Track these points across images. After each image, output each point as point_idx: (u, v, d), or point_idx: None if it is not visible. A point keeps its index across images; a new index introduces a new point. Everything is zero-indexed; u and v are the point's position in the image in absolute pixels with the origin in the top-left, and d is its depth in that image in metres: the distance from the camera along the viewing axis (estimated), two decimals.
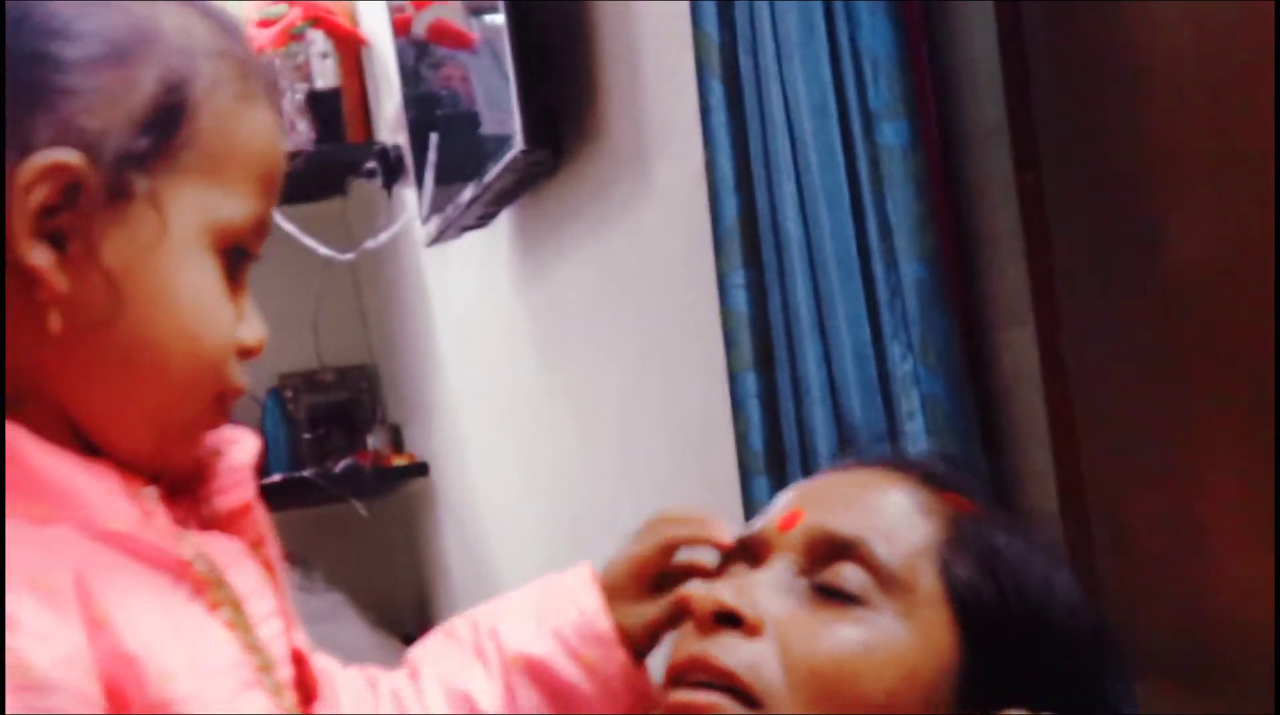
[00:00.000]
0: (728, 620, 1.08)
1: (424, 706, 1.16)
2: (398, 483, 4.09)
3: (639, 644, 1.15)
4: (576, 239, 2.97)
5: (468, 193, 3.23)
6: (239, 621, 0.99)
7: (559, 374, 3.16)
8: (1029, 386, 1.94)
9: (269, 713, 0.98)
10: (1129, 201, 1.83)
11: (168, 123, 0.96)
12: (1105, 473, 1.90)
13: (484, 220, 3.35)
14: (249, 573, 1.02)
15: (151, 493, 1.00)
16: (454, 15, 3.37)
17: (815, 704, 1.05)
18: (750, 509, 2.04)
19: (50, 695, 0.90)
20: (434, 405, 4.01)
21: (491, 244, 3.41)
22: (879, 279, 1.95)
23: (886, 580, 1.08)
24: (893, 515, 1.12)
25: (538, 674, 1.15)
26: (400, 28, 3.58)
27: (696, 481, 2.53)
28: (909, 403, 1.90)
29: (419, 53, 3.52)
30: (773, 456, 2.05)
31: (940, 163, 2.02)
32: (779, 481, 2.04)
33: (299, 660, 1.03)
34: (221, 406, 1.02)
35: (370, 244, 3.86)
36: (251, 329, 1.01)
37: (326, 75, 3.95)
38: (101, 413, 0.98)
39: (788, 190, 2.03)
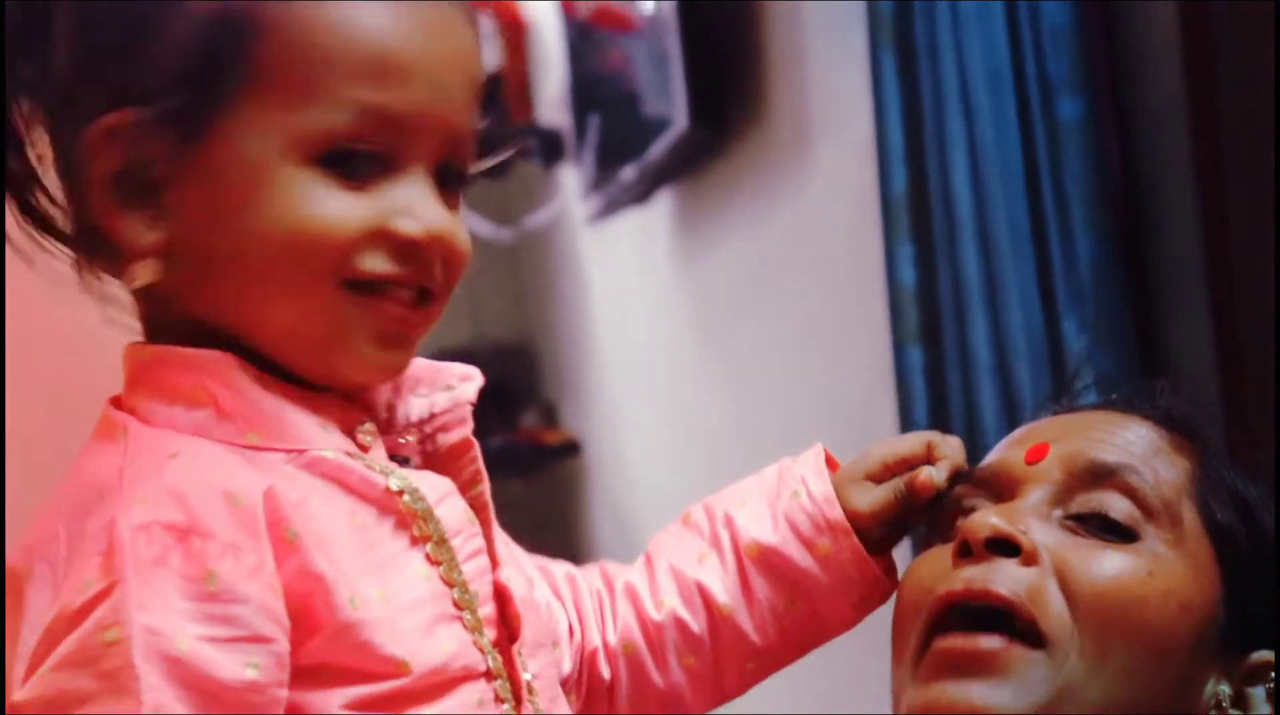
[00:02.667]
0: (1002, 548, 1.04)
1: (658, 604, 1.16)
2: (551, 461, 4.12)
3: (866, 530, 1.14)
4: (738, 216, 2.97)
5: (629, 172, 3.25)
6: (443, 556, 1.00)
7: (718, 352, 3.16)
8: (1202, 365, 1.91)
9: (461, 645, 0.99)
10: None
11: (227, 60, 0.96)
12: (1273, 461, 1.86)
13: (644, 199, 3.36)
14: (458, 510, 1.02)
15: (369, 427, 1.01)
16: None
17: (1099, 633, 1.02)
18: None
19: (232, 605, 0.91)
20: (589, 384, 4.02)
21: (651, 223, 3.42)
22: (1054, 254, 1.93)
23: (1153, 511, 1.06)
24: (1148, 449, 1.09)
25: (770, 562, 1.15)
26: (566, 10, 3.60)
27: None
28: (1082, 378, 1.87)
29: (582, 35, 3.55)
30: (937, 429, 2.03)
31: (1117, 137, 1.99)
32: None
33: (503, 597, 1.03)
34: (374, 301, 0.99)
35: (529, 223, 3.88)
36: (411, 221, 0.98)
37: (490, 57, 4.00)
38: (257, 333, 0.99)
39: (959, 163, 2.01)
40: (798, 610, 1.15)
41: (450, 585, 1.00)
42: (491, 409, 4.40)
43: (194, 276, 0.98)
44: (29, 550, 0.95)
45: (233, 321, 0.99)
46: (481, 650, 1.00)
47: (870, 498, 1.15)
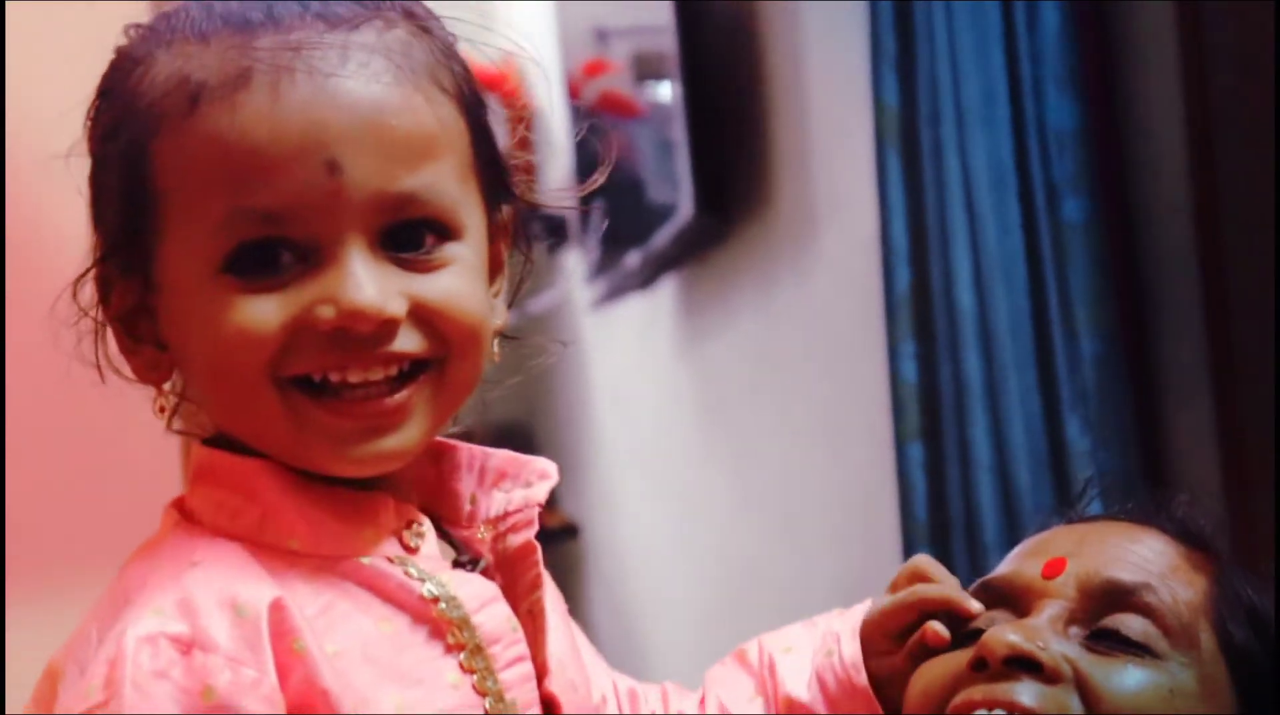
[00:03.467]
0: (1023, 665, 1.03)
1: None
2: (548, 543, 4.11)
3: (883, 695, 1.13)
4: (742, 304, 2.98)
5: (633, 258, 3.26)
6: (478, 665, 0.99)
7: (719, 439, 3.17)
8: (1206, 466, 1.92)
9: None
10: None
11: (142, 200, 0.99)
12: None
13: (647, 285, 3.37)
14: (499, 616, 1.01)
15: (418, 529, 1.01)
16: (622, 84, 3.41)
17: None
18: None
19: None
20: (588, 467, 4.02)
21: (654, 309, 3.43)
22: (1058, 354, 1.94)
23: (1171, 631, 1.04)
24: (1165, 567, 1.08)
25: None
26: (570, 93, 3.63)
27: (859, 550, 2.51)
28: (1091, 487, 1.87)
29: (587, 121, 3.57)
30: (936, 527, 2.04)
31: (1120, 237, 2.00)
32: (942, 552, 2.03)
33: (551, 706, 1.03)
34: (329, 388, 0.98)
35: (532, 307, 3.90)
36: (323, 308, 0.96)
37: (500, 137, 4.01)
38: (259, 446, 1.01)
39: (962, 262, 2.03)
40: None
41: (484, 695, 0.99)
42: None
43: (195, 399, 1.02)
44: (67, 649, 0.97)
45: (233, 433, 1.02)
46: None
47: (885, 662, 1.14)
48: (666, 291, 3.35)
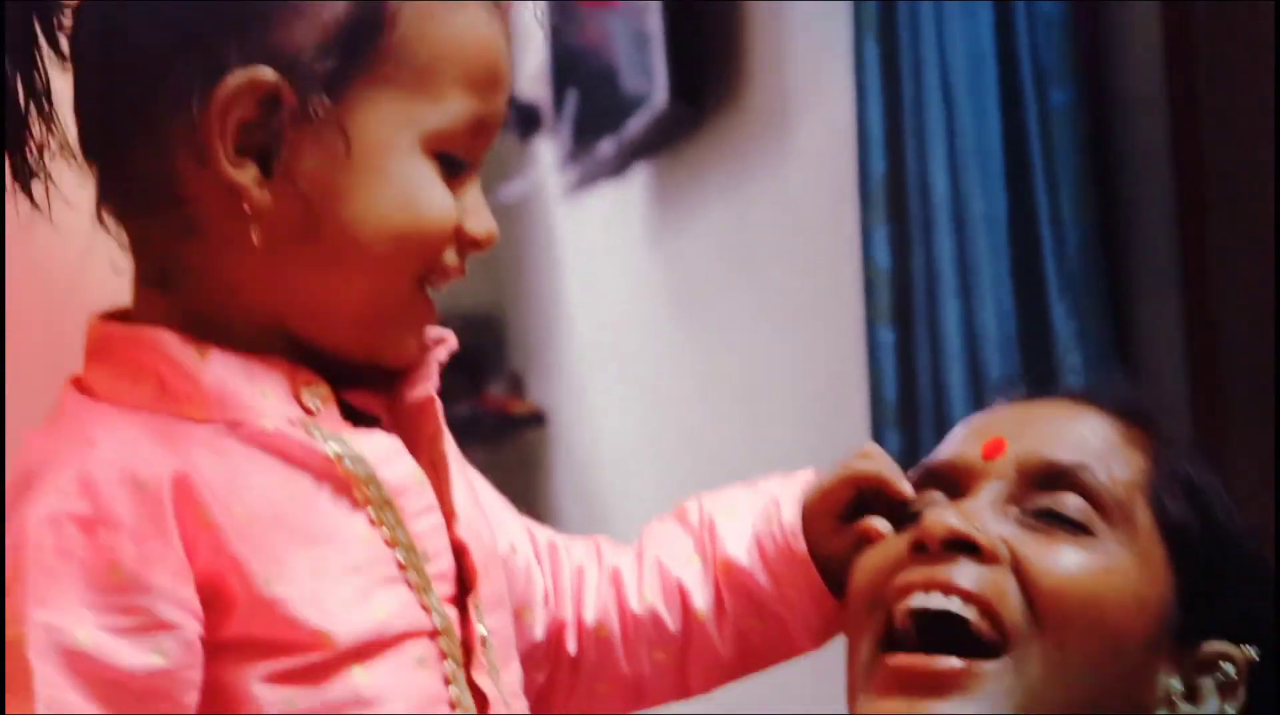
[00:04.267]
0: (960, 547, 1.04)
1: (640, 597, 1.17)
2: (516, 431, 4.12)
3: (831, 574, 1.15)
4: (714, 193, 2.99)
5: (606, 146, 3.26)
6: (386, 518, 1.00)
7: (689, 327, 3.18)
8: (1175, 352, 1.93)
9: (401, 606, 1.00)
10: None
11: (362, 38, 0.97)
12: (1250, 448, 1.88)
13: (620, 173, 3.37)
14: (404, 470, 1.01)
15: (317, 390, 1.01)
16: None
17: (1059, 629, 1.02)
18: None
19: (136, 595, 0.92)
20: (558, 356, 4.03)
21: (626, 198, 3.43)
22: (1044, 241, 1.94)
23: (1107, 509, 1.06)
24: (1102, 446, 1.09)
25: (740, 582, 1.16)
26: None
27: (826, 436, 2.53)
28: (1073, 361, 1.87)
29: (562, 10, 3.56)
30: (905, 410, 2.06)
31: (1101, 125, 2.01)
32: (911, 436, 2.05)
33: (460, 552, 1.04)
34: (427, 296, 1.02)
35: (504, 194, 3.89)
36: (478, 221, 1.01)
37: None
38: (313, 314, 1.00)
39: (938, 149, 2.04)
40: (766, 629, 1.17)
41: (394, 545, 1.00)
42: (459, 377, 4.42)
43: (272, 246, 0.98)
44: None
45: (282, 298, 1.00)
46: (427, 609, 1.00)
47: (831, 545, 1.15)
48: (639, 180, 3.35)
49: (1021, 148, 1.97)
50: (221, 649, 0.95)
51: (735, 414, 2.96)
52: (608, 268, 3.64)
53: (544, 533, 1.21)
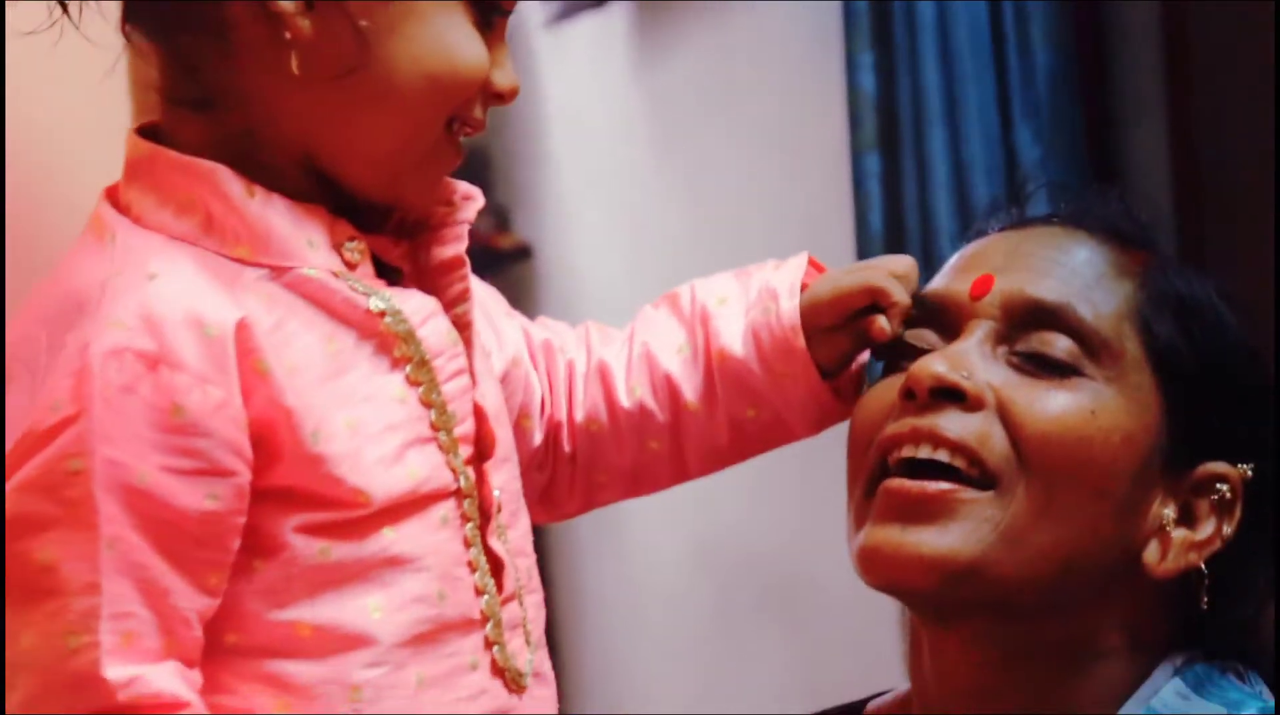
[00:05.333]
0: (947, 395, 1.04)
1: (629, 391, 1.17)
2: (503, 265, 4.12)
3: (825, 365, 1.15)
4: (697, 22, 2.96)
5: None
6: (423, 377, 1.01)
7: (675, 158, 3.16)
8: (1158, 178, 1.93)
9: (432, 467, 1.01)
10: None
11: None
12: (1238, 259, 1.88)
13: (601, 3, 3.34)
14: (441, 330, 1.02)
15: (357, 245, 1.01)
16: None
17: (1045, 473, 1.03)
18: None
19: (196, 438, 0.93)
20: (543, 189, 4.02)
21: (607, 28, 3.39)
22: (1012, 65, 1.94)
23: (1094, 347, 1.06)
24: (1090, 277, 1.08)
25: (735, 373, 1.16)
26: None
27: None
28: (1031, 190, 1.89)
29: None
30: (892, 237, 2.06)
31: None
32: None
33: (479, 416, 1.05)
34: (455, 142, 1.02)
35: None
36: (504, 75, 1.01)
37: None
38: (341, 150, 1.00)
39: None
40: (760, 417, 1.17)
41: (429, 406, 1.01)
42: None
43: (310, 77, 0.97)
44: (10, 350, 0.96)
45: (314, 130, 0.99)
46: (454, 470, 1.02)
47: (829, 342, 1.15)
48: (620, 9, 3.32)
49: None
50: (263, 495, 0.96)
51: (720, 246, 2.96)
52: (590, 99, 3.61)
53: (539, 332, 1.21)
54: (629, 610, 3.37)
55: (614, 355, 1.19)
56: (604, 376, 1.18)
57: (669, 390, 1.17)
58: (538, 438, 1.18)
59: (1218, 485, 1.07)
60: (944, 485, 1.04)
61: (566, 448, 1.19)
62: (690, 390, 1.17)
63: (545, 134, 3.96)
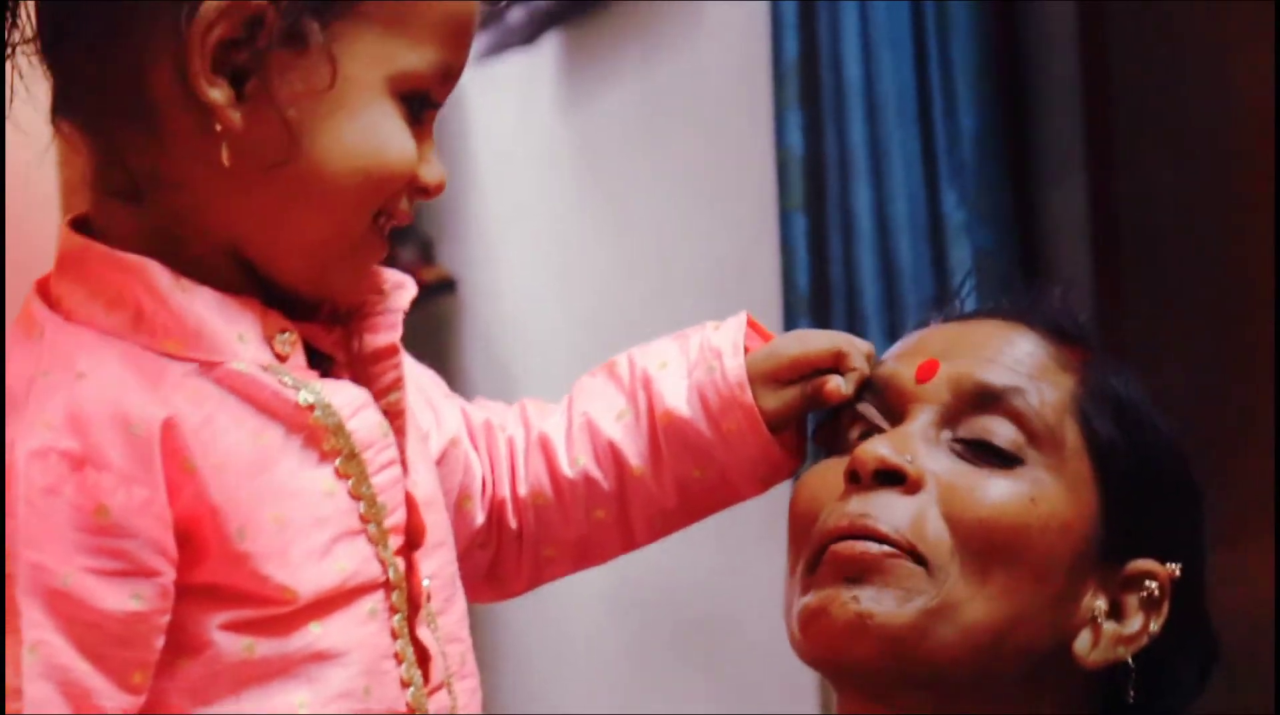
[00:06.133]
0: (890, 478, 1.06)
1: (572, 461, 1.17)
2: (426, 298, 4.10)
3: (772, 421, 1.16)
4: (626, 67, 2.97)
5: (516, 13, 3.23)
6: (353, 470, 1.00)
7: (600, 201, 3.17)
8: (1077, 240, 1.96)
9: (360, 561, 1.01)
10: (1195, 55, 1.83)
11: None
12: (1143, 338, 1.91)
13: (530, 41, 3.34)
14: (372, 422, 1.02)
15: (288, 337, 1.01)
16: None
17: (980, 558, 1.05)
18: None
19: (121, 539, 0.93)
20: (468, 223, 4.02)
21: (536, 66, 3.40)
22: (937, 127, 1.96)
23: (1037, 435, 1.08)
24: (1033, 367, 1.10)
25: (681, 433, 1.16)
26: None
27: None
28: (959, 252, 1.92)
29: None
30: (818, 297, 2.08)
31: (1003, 12, 2.01)
32: (822, 322, 2.07)
33: (410, 505, 1.04)
34: (381, 235, 1.02)
35: None
36: (431, 170, 1.01)
37: None
38: (267, 241, 1.00)
39: (851, 31, 2.04)
40: (706, 478, 1.17)
41: (358, 499, 1.01)
42: None
43: (239, 169, 0.97)
44: None
45: (240, 221, 0.99)
46: (383, 562, 1.02)
47: (778, 398, 1.16)
48: (549, 49, 3.33)
49: (922, 32, 1.97)
50: (188, 592, 0.96)
51: (646, 286, 2.97)
52: (517, 135, 3.62)
53: (479, 413, 1.21)
54: (548, 648, 3.37)
55: (554, 427, 1.19)
56: (545, 449, 1.18)
57: (612, 456, 1.17)
58: (480, 518, 1.18)
59: (1147, 582, 1.09)
60: (884, 546, 1.05)
61: (513, 524, 1.19)
62: (634, 455, 1.17)
63: (472, 167, 3.96)
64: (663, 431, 1.16)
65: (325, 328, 1.05)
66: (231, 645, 0.97)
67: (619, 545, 1.20)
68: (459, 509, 1.16)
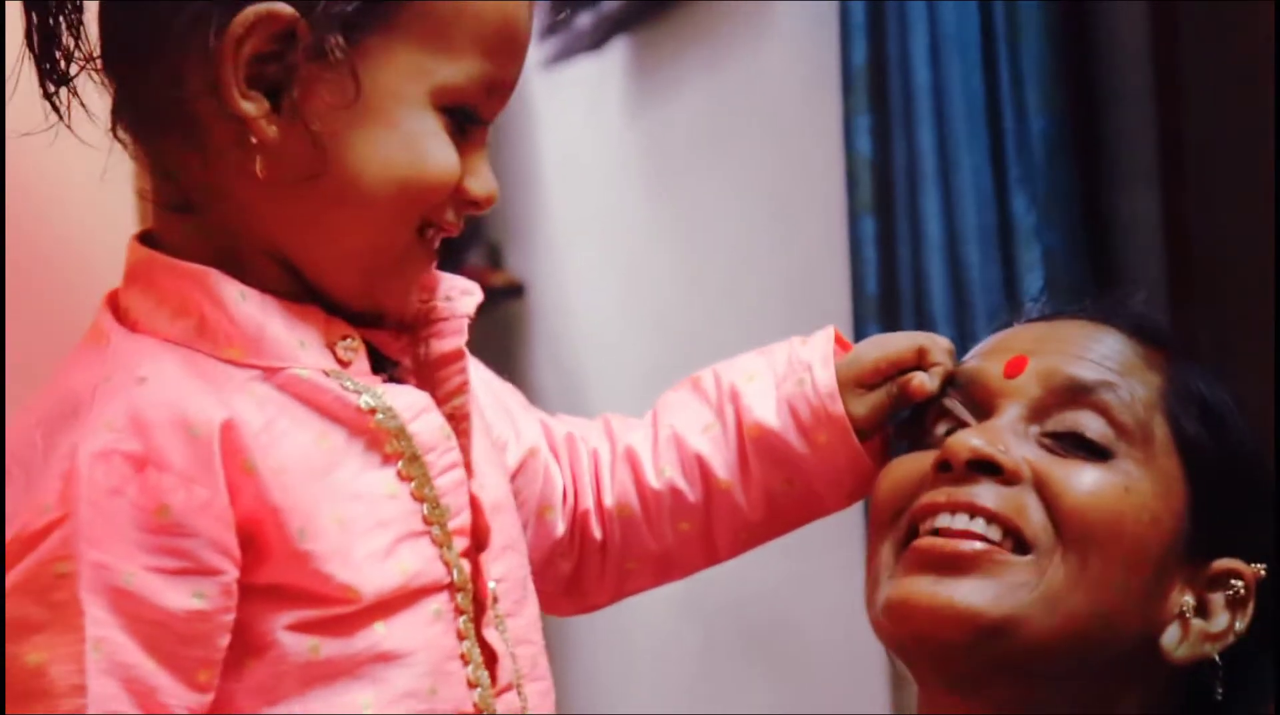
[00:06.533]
0: (984, 468, 1.06)
1: (658, 472, 1.18)
2: (494, 303, 4.12)
3: (861, 429, 1.16)
4: (694, 72, 2.97)
5: (584, 18, 3.24)
6: (415, 472, 1.01)
7: (667, 204, 3.18)
8: (1151, 245, 1.95)
9: (424, 562, 1.01)
10: (1267, 57, 1.81)
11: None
12: (1214, 342, 1.90)
13: (598, 46, 3.35)
14: (434, 425, 1.03)
15: (350, 343, 1.02)
16: None
17: (1080, 544, 1.05)
18: None
19: (182, 539, 0.94)
20: (536, 228, 4.03)
21: (604, 71, 3.41)
22: (1007, 130, 1.95)
23: (1126, 429, 1.08)
24: (1121, 364, 1.11)
25: (770, 445, 1.17)
26: None
27: (806, 325, 2.51)
28: (1029, 255, 1.91)
29: None
30: (886, 302, 2.07)
31: (1075, 16, 2.00)
32: (891, 327, 2.06)
33: (475, 508, 1.05)
34: (429, 247, 1.03)
35: None
36: (480, 182, 1.02)
37: None
38: (313, 253, 1.01)
39: (919, 36, 2.03)
40: (793, 491, 1.18)
41: (421, 501, 1.02)
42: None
43: (276, 180, 0.98)
44: (9, 452, 0.97)
45: (285, 233, 1.00)
46: (447, 563, 1.02)
47: (865, 404, 1.16)
48: (617, 54, 3.33)
49: (991, 37, 1.97)
50: (252, 593, 0.97)
51: (712, 295, 2.97)
52: (585, 140, 3.62)
53: (560, 426, 1.22)
54: (617, 653, 3.38)
55: (639, 440, 1.20)
56: (631, 461, 1.20)
57: (700, 469, 1.18)
58: (561, 528, 1.19)
59: (1232, 581, 1.10)
60: (979, 545, 1.05)
61: (597, 535, 1.20)
62: (722, 467, 1.18)
63: (539, 173, 3.97)
64: (751, 444, 1.17)
65: (393, 334, 1.06)
66: (297, 645, 0.98)
67: (702, 559, 1.21)
68: (539, 518, 1.17)
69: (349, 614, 0.98)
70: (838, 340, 1.20)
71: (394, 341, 1.06)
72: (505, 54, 1.00)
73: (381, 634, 0.99)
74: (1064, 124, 1.96)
